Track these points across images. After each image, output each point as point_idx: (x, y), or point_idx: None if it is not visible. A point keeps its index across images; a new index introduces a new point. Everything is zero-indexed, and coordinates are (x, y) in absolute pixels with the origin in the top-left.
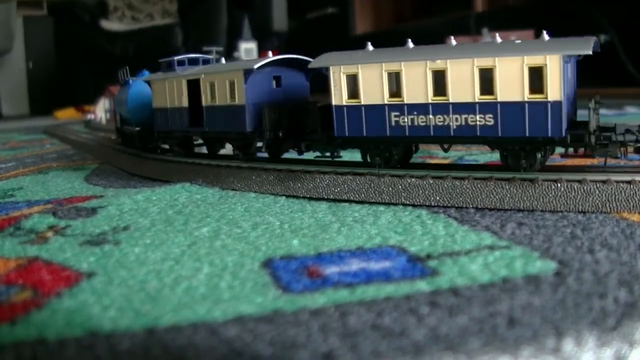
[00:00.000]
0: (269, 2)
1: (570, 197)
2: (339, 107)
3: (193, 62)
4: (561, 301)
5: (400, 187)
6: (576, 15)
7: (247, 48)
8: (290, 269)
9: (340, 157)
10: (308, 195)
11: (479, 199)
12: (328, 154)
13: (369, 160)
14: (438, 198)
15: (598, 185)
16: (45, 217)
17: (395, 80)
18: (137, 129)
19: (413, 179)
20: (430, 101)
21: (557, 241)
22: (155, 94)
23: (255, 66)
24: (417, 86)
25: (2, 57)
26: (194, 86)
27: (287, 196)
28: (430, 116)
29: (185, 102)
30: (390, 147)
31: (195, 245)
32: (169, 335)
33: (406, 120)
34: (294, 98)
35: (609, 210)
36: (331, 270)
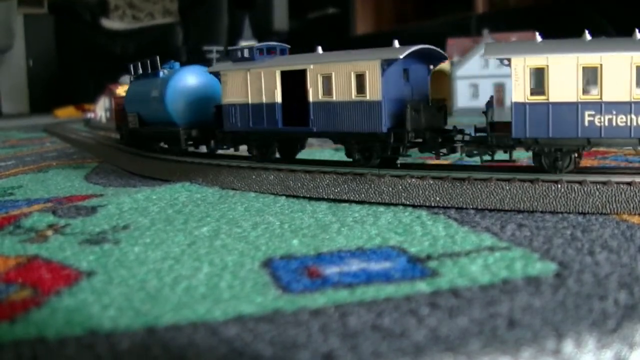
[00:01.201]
0: (270, 2)
1: (570, 198)
2: (520, 105)
3: (269, 51)
4: (561, 303)
5: (400, 187)
6: (577, 16)
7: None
8: (291, 269)
9: (514, 160)
10: (308, 195)
11: (479, 200)
12: (488, 157)
13: (546, 165)
14: (438, 199)
15: (598, 186)
16: (45, 216)
17: (591, 75)
18: (184, 129)
19: (413, 180)
20: (633, 100)
21: (558, 243)
22: (228, 87)
23: (401, 55)
24: (618, 82)
25: (2, 55)
26: (291, 78)
27: (287, 196)
28: (633, 116)
29: (277, 97)
30: (576, 150)
31: (195, 245)
32: (169, 334)
33: (602, 120)
34: (419, 94)
35: (609, 211)
36: (331, 270)
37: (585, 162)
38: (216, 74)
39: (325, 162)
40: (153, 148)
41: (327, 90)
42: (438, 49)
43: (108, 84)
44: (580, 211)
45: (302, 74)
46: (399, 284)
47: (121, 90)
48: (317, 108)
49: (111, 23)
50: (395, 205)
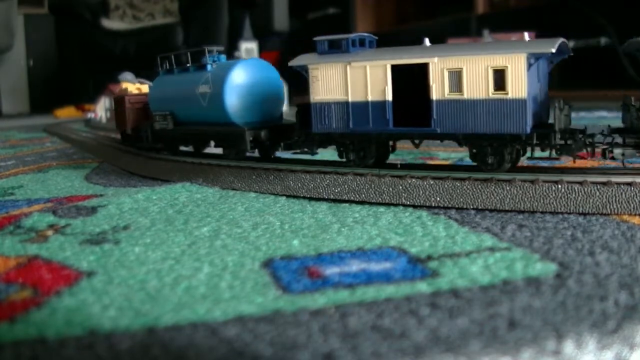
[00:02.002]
0: (270, 2)
1: (570, 198)
2: None
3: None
4: (562, 303)
5: (400, 187)
6: (577, 17)
7: (248, 48)
8: (291, 269)
9: None
10: (308, 196)
11: (479, 200)
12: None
13: None
14: (439, 199)
15: (598, 186)
16: (45, 216)
17: None
18: (250, 129)
19: (414, 180)
20: None
21: (558, 243)
22: (319, 83)
23: (553, 49)
24: None
25: (2, 55)
26: (403, 73)
27: (288, 196)
28: None
29: (388, 95)
30: None
31: (196, 245)
32: (169, 334)
33: None
34: (544, 91)
35: (609, 212)
36: (331, 270)
37: (586, 163)
38: (300, 68)
39: (325, 162)
40: (191, 151)
41: (456, 86)
42: (567, 42)
43: (108, 83)
44: (580, 212)
45: (421, 68)
46: (399, 284)
47: (125, 88)
48: (442, 106)
49: (111, 23)
50: (396, 205)
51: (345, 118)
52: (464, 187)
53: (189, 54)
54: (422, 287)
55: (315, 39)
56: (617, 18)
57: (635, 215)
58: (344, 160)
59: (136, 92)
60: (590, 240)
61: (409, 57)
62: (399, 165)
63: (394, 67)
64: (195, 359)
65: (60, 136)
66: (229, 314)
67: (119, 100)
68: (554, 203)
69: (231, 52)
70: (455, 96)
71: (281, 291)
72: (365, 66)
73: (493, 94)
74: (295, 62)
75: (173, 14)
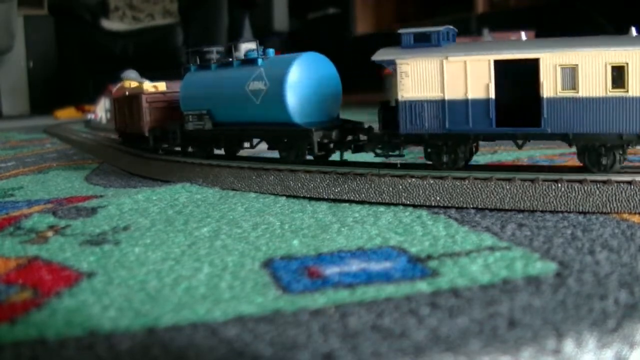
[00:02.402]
0: (269, 2)
1: (570, 197)
2: None
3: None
4: (562, 302)
5: (400, 187)
6: (577, 16)
7: (248, 48)
8: (291, 269)
9: None
10: (308, 196)
11: (479, 200)
12: None
13: None
14: (438, 198)
15: (598, 185)
16: (45, 217)
17: None
18: (317, 129)
19: (413, 179)
20: None
21: (558, 242)
22: (409, 80)
23: None
24: None
25: (2, 56)
26: (505, 69)
27: (288, 196)
28: None
29: (490, 92)
30: None
31: (196, 245)
32: (169, 335)
33: None
34: None
35: (609, 210)
36: (331, 270)
37: None
38: (387, 63)
39: (325, 162)
40: (227, 154)
41: (570, 83)
42: None
43: (108, 84)
44: (580, 210)
45: (528, 63)
46: (399, 284)
47: (129, 86)
48: (554, 105)
49: (111, 24)
50: (396, 205)
51: (440, 117)
52: (464, 186)
53: (225, 47)
54: (422, 286)
55: (400, 31)
56: (617, 17)
57: (635, 213)
58: (430, 162)
59: (152, 89)
60: (590, 239)
61: (515, 52)
62: (398, 165)
63: (497, 63)
64: (195, 359)
65: (61, 137)
66: (229, 314)
67: (129, 99)
68: (554, 202)
69: (231, 52)
70: (569, 94)
71: (281, 291)
72: (465, 61)
73: (611, 91)
74: (379, 57)
75: (173, 14)
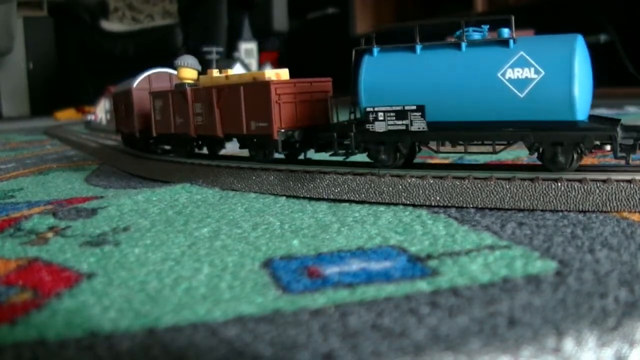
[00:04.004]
0: (269, 3)
1: (570, 196)
2: None
3: None
4: (561, 301)
5: (400, 187)
6: (576, 15)
7: (247, 48)
8: (291, 269)
9: None
10: (308, 196)
11: (479, 199)
12: None
13: None
14: (438, 198)
15: (598, 184)
16: (46, 218)
17: None
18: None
19: (413, 179)
20: None
21: (558, 241)
22: None
23: None
24: None
25: (2, 57)
26: None
27: (287, 196)
28: None
29: None
30: None
31: (196, 246)
32: (169, 335)
33: None
34: None
35: (609, 209)
36: (331, 270)
37: (586, 160)
38: None
39: (325, 162)
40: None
41: None
42: None
43: (108, 85)
44: (580, 209)
45: None
46: (399, 283)
47: (188, 78)
48: None
49: (111, 25)
50: (396, 204)
51: None
52: (464, 185)
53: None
54: (422, 285)
55: None
56: (616, 15)
57: (635, 212)
58: None
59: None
60: (590, 238)
61: None
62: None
63: None
64: (195, 359)
65: (61, 138)
66: (229, 315)
67: (232, 91)
68: (554, 201)
69: (230, 52)
70: None
71: (281, 291)
72: None
73: None
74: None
75: (172, 15)
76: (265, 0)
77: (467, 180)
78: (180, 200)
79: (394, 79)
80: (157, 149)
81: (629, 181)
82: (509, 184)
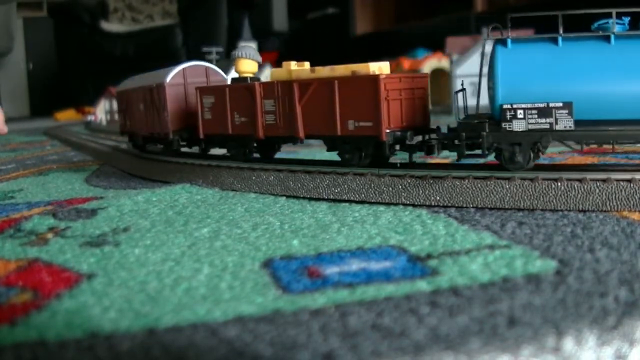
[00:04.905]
0: (269, 3)
1: (570, 195)
2: None
3: None
4: (561, 300)
5: (400, 187)
6: (576, 14)
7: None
8: (291, 269)
9: None
10: (308, 196)
11: (479, 199)
12: None
13: None
14: (438, 198)
15: (598, 183)
16: (46, 219)
17: None
18: None
19: (413, 179)
20: None
21: (558, 240)
22: None
23: None
24: None
25: (2, 58)
26: None
27: (287, 196)
28: None
29: None
30: None
31: (196, 246)
32: (169, 335)
33: None
34: None
35: (609, 208)
36: (331, 270)
37: (586, 160)
38: None
39: (325, 162)
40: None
41: None
42: None
43: (108, 86)
44: (580, 209)
45: None
46: (399, 283)
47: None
48: None
49: (110, 25)
50: (396, 204)
51: None
52: (464, 185)
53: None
54: (422, 285)
55: None
56: (616, 14)
57: (635, 211)
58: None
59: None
60: (590, 237)
61: None
62: (398, 165)
63: None
64: (195, 359)
65: (61, 139)
66: (229, 315)
67: (325, 86)
68: (554, 200)
69: (230, 52)
70: None
71: (281, 291)
72: None
73: None
74: None
75: (172, 15)
76: (265, 0)
77: (467, 180)
78: (180, 200)
79: (535, 74)
80: (204, 152)
81: (629, 180)
82: (509, 184)
